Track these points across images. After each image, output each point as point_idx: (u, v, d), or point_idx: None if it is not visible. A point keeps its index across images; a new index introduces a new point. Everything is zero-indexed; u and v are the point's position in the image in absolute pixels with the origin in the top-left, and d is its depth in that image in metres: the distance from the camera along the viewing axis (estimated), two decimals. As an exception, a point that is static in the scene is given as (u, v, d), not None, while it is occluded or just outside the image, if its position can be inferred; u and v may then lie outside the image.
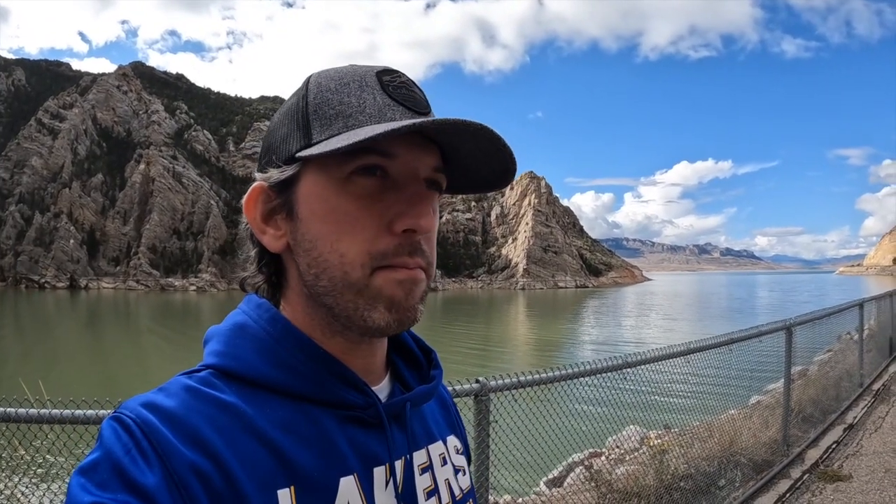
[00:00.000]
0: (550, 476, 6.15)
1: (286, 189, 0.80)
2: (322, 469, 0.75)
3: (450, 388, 3.56)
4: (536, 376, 4.03)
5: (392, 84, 0.79)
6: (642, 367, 4.98)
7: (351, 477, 0.77)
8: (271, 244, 0.82)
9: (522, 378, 3.92)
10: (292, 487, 0.71)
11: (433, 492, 0.89)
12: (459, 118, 0.71)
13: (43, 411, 3.04)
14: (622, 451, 6.34)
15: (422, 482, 0.87)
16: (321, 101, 0.78)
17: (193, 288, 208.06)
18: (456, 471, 0.96)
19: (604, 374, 4.62)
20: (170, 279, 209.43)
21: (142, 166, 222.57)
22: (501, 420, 3.91)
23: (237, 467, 0.68)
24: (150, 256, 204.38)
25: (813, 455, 6.55)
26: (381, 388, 0.88)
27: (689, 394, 6.03)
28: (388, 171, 0.76)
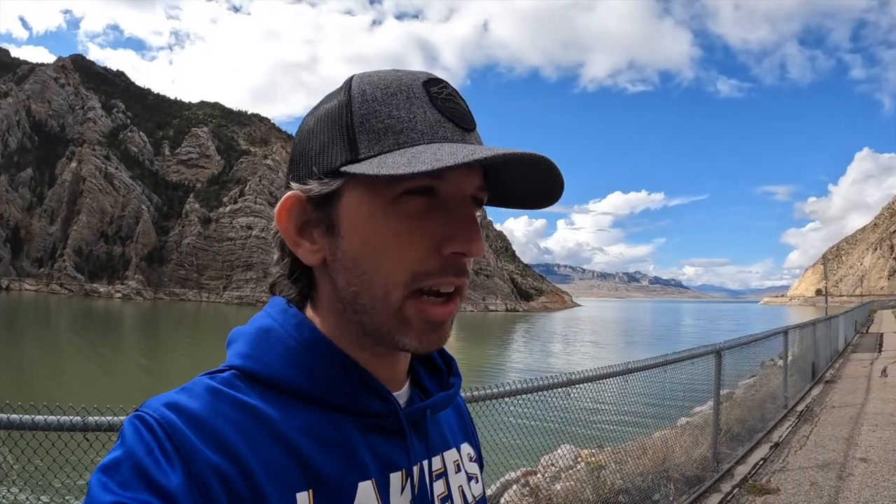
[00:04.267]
0: (487, 493, 6.26)
1: (326, 203, 0.77)
2: (341, 474, 0.75)
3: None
4: (481, 392, 4.12)
5: (440, 97, 0.77)
6: (579, 386, 5.11)
7: (369, 482, 0.77)
8: (307, 258, 0.80)
9: (476, 392, 4.03)
10: (311, 491, 0.72)
11: (447, 498, 0.89)
12: (522, 151, 0.69)
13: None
14: (557, 469, 6.50)
15: (437, 488, 0.87)
16: (368, 112, 0.75)
17: (119, 295, 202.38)
18: (469, 478, 0.97)
19: (541, 394, 4.74)
20: (95, 284, 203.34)
21: (73, 164, 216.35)
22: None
23: (259, 470, 0.68)
24: (75, 259, 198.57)
25: (742, 471, 6.84)
26: (402, 395, 0.88)
27: (622, 413, 6.23)
28: (437, 191, 0.74)
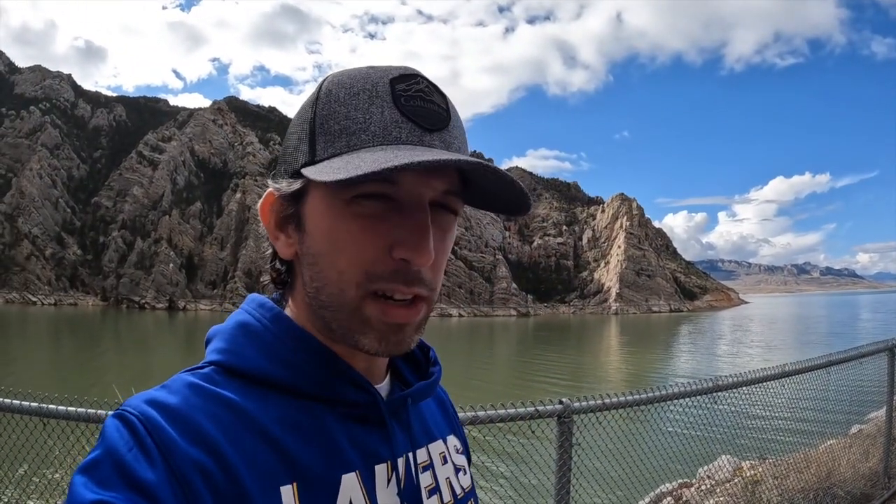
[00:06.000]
0: (641, 504, 6.01)
1: (296, 201, 0.79)
2: (324, 466, 0.75)
3: (532, 409, 3.57)
4: (622, 398, 3.98)
5: (405, 94, 0.76)
6: (736, 392, 4.81)
7: (353, 474, 0.77)
8: (283, 251, 0.82)
9: (607, 400, 3.88)
10: (294, 484, 0.71)
11: (434, 490, 0.89)
12: (456, 158, 0.69)
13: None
14: (713, 483, 6.15)
15: (423, 480, 0.87)
16: (328, 113, 0.76)
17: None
18: (457, 470, 0.96)
19: (694, 400, 4.50)
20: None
21: (238, 195, 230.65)
22: (585, 443, 3.86)
23: (240, 464, 0.68)
24: (245, 280, 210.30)
25: (918, 488, 6.13)
26: (382, 387, 0.88)
27: (785, 421, 5.81)
28: (392, 195, 0.74)
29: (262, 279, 0.89)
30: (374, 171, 0.65)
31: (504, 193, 0.79)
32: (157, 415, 0.68)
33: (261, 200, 0.83)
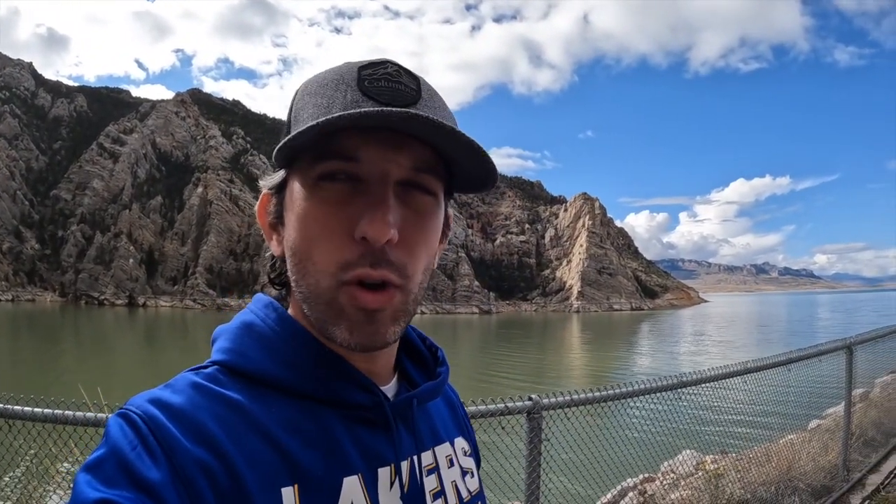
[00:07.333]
0: (602, 501, 6.08)
1: (279, 195, 0.81)
2: (326, 468, 0.74)
3: (502, 405, 3.57)
4: (590, 394, 4.00)
5: (370, 78, 0.75)
6: (698, 389, 4.88)
7: (355, 477, 0.76)
8: (274, 249, 0.84)
9: (576, 396, 3.89)
10: (296, 486, 0.71)
11: (439, 494, 0.88)
12: (388, 109, 0.68)
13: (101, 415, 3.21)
14: (676, 476, 6.22)
15: (428, 484, 0.86)
16: (300, 107, 0.78)
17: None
18: (463, 473, 0.95)
19: (658, 396, 4.55)
20: (226, 299, 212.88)
21: (200, 189, 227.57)
22: (554, 440, 3.88)
23: (242, 465, 0.68)
24: (206, 276, 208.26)
25: (874, 480, 6.30)
26: (389, 388, 0.87)
27: (746, 417, 5.90)
28: (357, 175, 0.74)
29: (260, 279, 0.88)
30: (311, 125, 0.67)
31: (469, 161, 0.77)
32: (160, 414, 0.68)
33: (257, 204, 0.86)
